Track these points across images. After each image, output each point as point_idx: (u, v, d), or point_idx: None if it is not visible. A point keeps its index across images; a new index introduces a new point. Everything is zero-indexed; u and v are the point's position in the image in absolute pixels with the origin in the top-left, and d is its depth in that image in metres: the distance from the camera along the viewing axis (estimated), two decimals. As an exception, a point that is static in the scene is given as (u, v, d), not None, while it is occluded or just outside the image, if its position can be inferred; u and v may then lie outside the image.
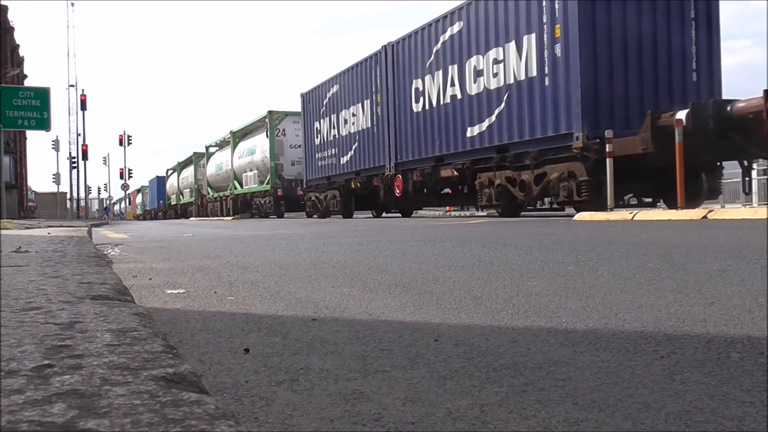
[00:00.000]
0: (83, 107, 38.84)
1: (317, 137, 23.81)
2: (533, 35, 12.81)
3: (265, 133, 29.92)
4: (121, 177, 52.74)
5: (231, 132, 36.22)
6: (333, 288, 3.04)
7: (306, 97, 25.07)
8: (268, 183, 29.64)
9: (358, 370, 1.52)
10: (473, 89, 14.78)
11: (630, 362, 1.53)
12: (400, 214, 21.89)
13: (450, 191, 18.14)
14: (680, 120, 9.64)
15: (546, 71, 12.61)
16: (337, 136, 22.11)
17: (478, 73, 14.56)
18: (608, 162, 10.84)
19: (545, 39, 12.54)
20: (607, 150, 10.87)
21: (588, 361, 1.55)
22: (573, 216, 11.58)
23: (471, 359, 1.60)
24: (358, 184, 20.76)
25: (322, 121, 23.37)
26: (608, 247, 4.77)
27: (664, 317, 2.04)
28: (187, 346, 1.84)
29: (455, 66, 15.36)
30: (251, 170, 32.23)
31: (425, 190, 17.95)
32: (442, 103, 15.96)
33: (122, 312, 1.57)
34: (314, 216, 24.87)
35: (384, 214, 23.25)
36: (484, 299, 2.54)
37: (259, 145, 30.97)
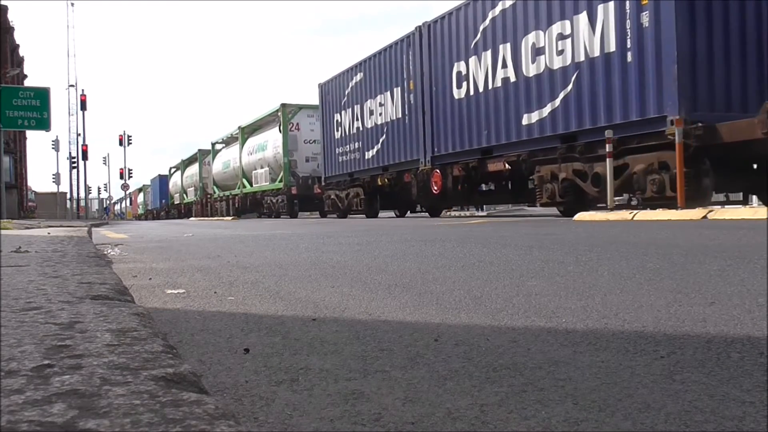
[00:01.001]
0: (83, 107, 38.87)
1: (338, 130, 21.86)
2: (611, 3, 10.97)
3: (277, 128, 28.02)
4: (121, 177, 52.77)
5: (239, 127, 34.12)
6: (333, 288, 3.04)
7: (324, 88, 22.95)
8: (280, 181, 27.64)
9: (358, 370, 1.52)
10: (531, 70, 12.91)
11: (630, 362, 1.53)
12: (427, 214, 20.34)
13: (493, 187, 16.62)
14: (680, 120, 9.63)
15: (628, 45, 10.70)
16: (361, 129, 20.16)
17: (538, 52, 12.68)
18: (608, 162, 10.82)
19: (627, 7, 10.68)
20: (607, 150, 10.83)
21: (588, 361, 1.55)
22: (573, 216, 11.57)
23: (471, 359, 1.60)
24: (386, 181, 18.83)
25: (343, 112, 21.39)
26: (608, 247, 4.77)
27: (664, 317, 2.04)
28: (187, 346, 1.84)
29: (507, 45, 13.49)
30: (262, 167, 30.36)
31: (466, 187, 16.01)
32: (490, 87, 14.08)
33: (122, 312, 1.57)
34: (334, 215, 23.22)
35: (408, 214, 21.79)
36: (484, 299, 2.54)
37: (270, 141, 29.12)
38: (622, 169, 10.96)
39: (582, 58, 11.70)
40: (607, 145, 10.83)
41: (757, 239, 4.87)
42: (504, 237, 6.53)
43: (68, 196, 41.07)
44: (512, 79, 13.52)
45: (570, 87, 12.04)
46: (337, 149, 22.00)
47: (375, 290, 2.91)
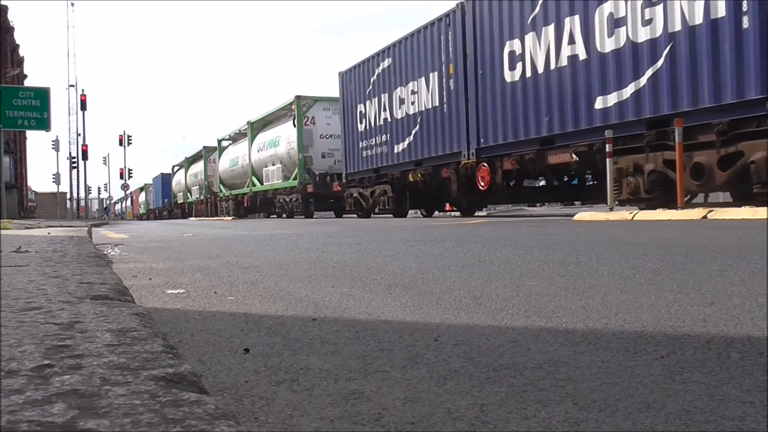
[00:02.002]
0: (83, 107, 38.87)
1: (361, 122, 19.91)
2: None
3: (291, 122, 26.04)
4: (121, 177, 52.78)
5: (248, 122, 32.11)
6: (333, 288, 3.04)
7: (345, 77, 20.91)
8: (294, 178, 25.76)
9: (358, 370, 1.52)
10: (607, 45, 11.06)
11: (630, 362, 1.53)
12: (459, 213, 18.94)
13: (555, 182, 14.77)
14: (680, 120, 9.63)
15: (744, 8, 8.91)
16: (389, 120, 18.21)
17: (617, 23, 10.86)
18: (608, 162, 10.82)
19: None
20: (607, 150, 10.81)
21: (588, 361, 1.55)
22: (573, 216, 11.56)
23: (471, 359, 1.60)
24: (420, 177, 16.86)
25: (368, 103, 19.41)
26: (608, 247, 4.77)
27: (664, 317, 2.04)
28: (187, 346, 1.84)
29: (576, 17, 11.68)
30: (273, 164, 28.38)
31: (518, 182, 14.50)
32: (553, 67, 12.25)
33: (122, 312, 1.57)
34: (354, 215, 21.61)
35: (436, 213, 20.41)
36: (484, 299, 2.54)
37: (283, 136, 27.16)
38: (734, 157, 9.28)
39: (678, 27, 9.90)
40: (607, 146, 10.81)
41: (757, 239, 4.87)
42: (504, 237, 6.54)
43: (68, 196, 41.10)
44: (582, 56, 11.62)
45: (660, 63, 10.15)
46: (360, 143, 20.07)
47: (375, 290, 2.91)
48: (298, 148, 25.32)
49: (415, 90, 16.92)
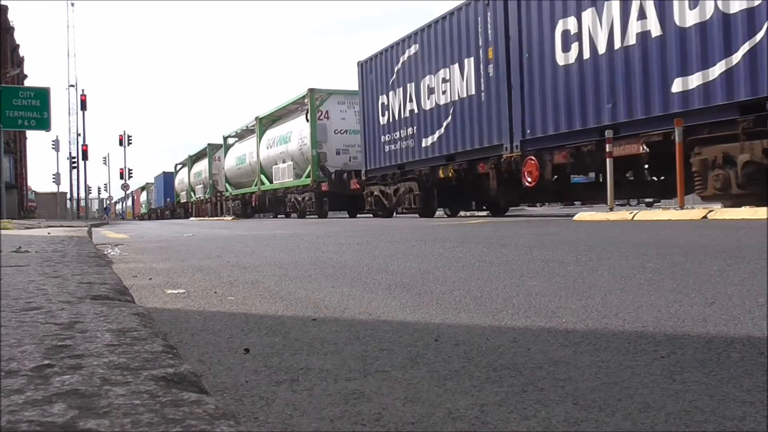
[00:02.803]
0: (83, 107, 38.86)
1: (383, 115, 18.41)
2: None
3: (303, 117, 24.52)
4: (121, 177, 52.76)
5: (256, 118, 30.26)
6: (333, 288, 3.04)
7: (365, 67, 19.36)
8: (307, 176, 24.12)
9: (358, 370, 1.52)
10: (689, 19, 9.67)
11: (630, 362, 1.53)
12: (488, 212, 17.79)
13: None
14: (680, 120, 9.63)
15: None
16: (416, 111, 16.71)
17: None
18: (608, 162, 10.82)
19: None
20: (607, 150, 10.81)
21: (588, 361, 1.55)
22: (573, 216, 11.55)
23: (471, 359, 1.60)
24: (452, 173, 15.39)
25: (391, 93, 17.89)
26: (608, 247, 4.77)
27: (664, 317, 2.04)
28: (187, 346, 1.84)
29: None
30: (284, 162, 26.79)
31: (563, 178, 13.12)
32: (618, 46, 10.82)
33: (122, 312, 1.57)
34: (369, 215, 20.11)
35: (461, 213, 18.96)
36: (484, 299, 2.54)
37: (295, 131, 25.51)
38: None
39: None
40: (607, 146, 10.80)
41: (757, 239, 4.87)
42: (504, 237, 6.54)
43: (68, 196, 41.10)
44: (655, 33, 10.22)
45: (761, 35, 8.73)
46: (382, 137, 18.53)
47: (375, 290, 2.91)
48: (311, 144, 23.66)
49: (447, 78, 15.36)
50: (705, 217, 8.78)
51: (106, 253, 5.83)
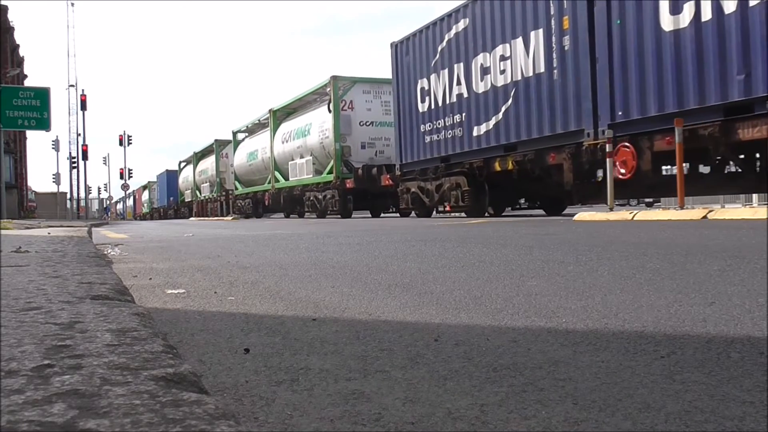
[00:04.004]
0: (83, 107, 38.85)
1: (423, 101, 16.27)
2: None
3: (325, 107, 22.25)
4: (121, 177, 52.71)
5: (270, 110, 27.98)
6: (333, 288, 3.04)
7: (401, 48, 17.22)
8: (329, 172, 21.94)
9: (358, 370, 1.52)
10: None
11: (630, 362, 1.53)
12: (543, 211, 16.05)
13: (739, 168, 10.59)
14: (680, 120, 9.63)
15: None
16: (465, 96, 14.58)
17: None
18: (608, 162, 10.81)
19: None
20: (607, 150, 10.80)
21: (588, 361, 1.55)
22: (573, 216, 11.53)
23: (471, 359, 1.60)
24: (513, 165, 13.23)
25: (433, 76, 15.80)
26: (608, 247, 4.77)
27: (664, 317, 2.04)
28: (187, 346, 1.84)
29: None
30: (302, 157, 24.54)
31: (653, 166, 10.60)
32: (754, 2, 8.73)
33: (122, 312, 1.57)
34: (413, 214, 18.11)
35: (508, 210, 17.03)
36: (484, 299, 2.54)
37: (315, 124, 23.24)
38: None
39: None
40: (607, 146, 10.79)
41: (757, 239, 4.87)
42: (504, 237, 6.53)
43: (68, 196, 41.09)
44: None
45: None
46: (422, 126, 16.40)
47: (375, 290, 2.91)
48: (334, 136, 21.44)
49: (507, 55, 13.25)
50: (705, 217, 8.79)
51: (106, 253, 5.83)
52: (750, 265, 3.28)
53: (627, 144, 10.67)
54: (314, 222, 17.43)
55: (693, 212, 9.22)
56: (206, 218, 35.66)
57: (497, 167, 13.74)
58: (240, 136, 34.33)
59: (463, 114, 14.74)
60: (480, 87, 14.18)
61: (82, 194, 41.72)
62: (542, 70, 12.40)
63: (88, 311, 1.58)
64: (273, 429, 1.15)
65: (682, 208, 9.71)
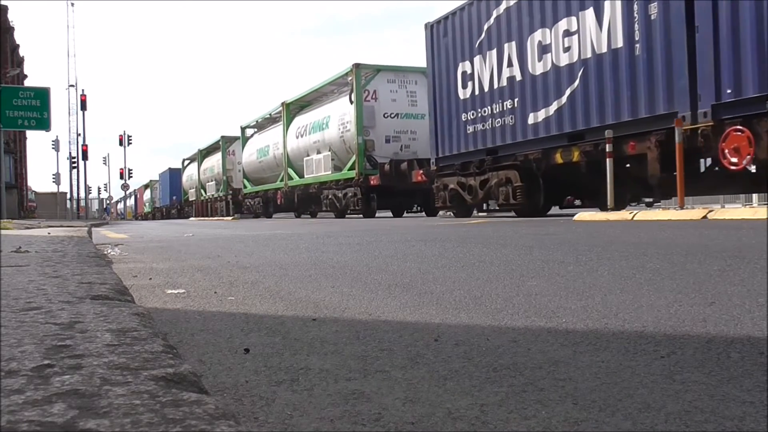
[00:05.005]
0: (83, 107, 38.84)
1: (465, 87, 14.47)
2: None
3: (346, 98, 20.57)
4: (121, 177, 52.68)
5: (283, 104, 26.07)
6: (333, 288, 3.04)
7: (437, 29, 15.37)
8: (351, 168, 20.38)
9: (358, 370, 1.52)
10: None
11: (630, 362, 1.53)
12: (596, 208, 12.67)
13: None
14: (680, 120, 9.62)
15: None
16: (518, 79, 12.87)
17: None
18: (608, 162, 10.80)
19: None
20: (607, 150, 10.79)
21: (588, 361, 1.55)
22: (573, 216, 11.52)
23: (471, 359, 1.60)
24: (580, 156, 11.45)
25: (477, 59, 13.99)
26: (608, 247, 4.77)
27: (664, 317, 2.04)
28: (187, 346, 1.84)
29: None
30: (319, 152, 22.83)
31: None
32: None
33: (122, 312, 1.57)
34: (449, 214, 16.20)
35: (555, 208, 14.80)
36: (484, 299, 2.54)
37: (334, 116, 21.49)
38: None
39: None
40: (607, 146, 10.78)
41: (757, 239, 4.87)
42: (504, 237, 6.53)
43: (68, 196, 41.08)
44: None
45: None
46: (462, 115, 14.60)
47: (375, 290, 2.91)
48: (356, 130, 19.73)
49: (572, 30, 11.49)
50: (705, 217, 8.78)
51: (106, 253, 5.83)
52: (750, 265, 3.28)
53: (740, 127, 8.78)
54: (315, 222, 17.44)
55: (693, 212, 9.22)
56: (206, 218, 35.46)
57: (559, 159, 11.92)
58: (248, 132, 32.72)
59: (516, 99, 13.01)
60: (538, 68, 12.40)
61: (82, 194, 41.71)
62: (620, 44, 10.59)
63: (88, 311, 1.58)
64: (273, 429, 1.15)
65: (682, 208, 9.71)
